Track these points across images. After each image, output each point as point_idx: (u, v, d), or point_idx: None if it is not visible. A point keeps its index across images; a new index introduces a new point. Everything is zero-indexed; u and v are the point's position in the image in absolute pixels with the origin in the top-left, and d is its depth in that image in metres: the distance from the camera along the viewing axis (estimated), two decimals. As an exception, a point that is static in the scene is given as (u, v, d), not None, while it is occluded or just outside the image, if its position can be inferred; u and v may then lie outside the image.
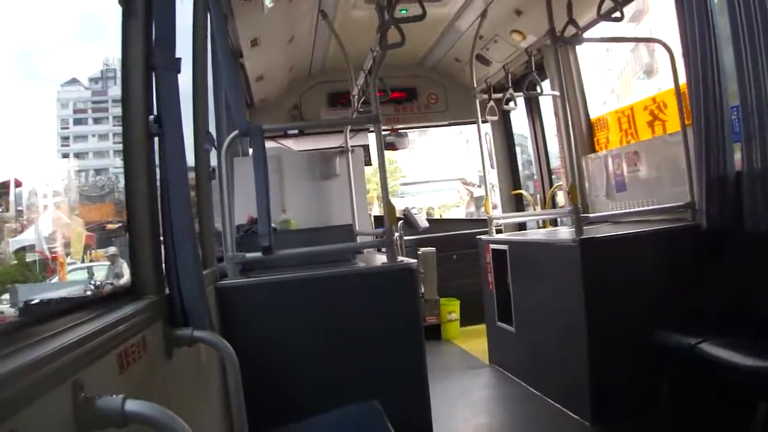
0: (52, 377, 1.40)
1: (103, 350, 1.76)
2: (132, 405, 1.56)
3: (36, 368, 1.34)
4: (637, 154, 5.95)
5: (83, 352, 1.59)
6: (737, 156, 4.34)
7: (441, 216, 36.54)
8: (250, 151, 4.05)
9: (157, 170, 2.56)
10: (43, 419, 1.34)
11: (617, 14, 4.94)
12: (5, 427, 1.16)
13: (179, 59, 2.62)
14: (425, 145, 37.16)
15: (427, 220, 8.54)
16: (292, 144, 8.89)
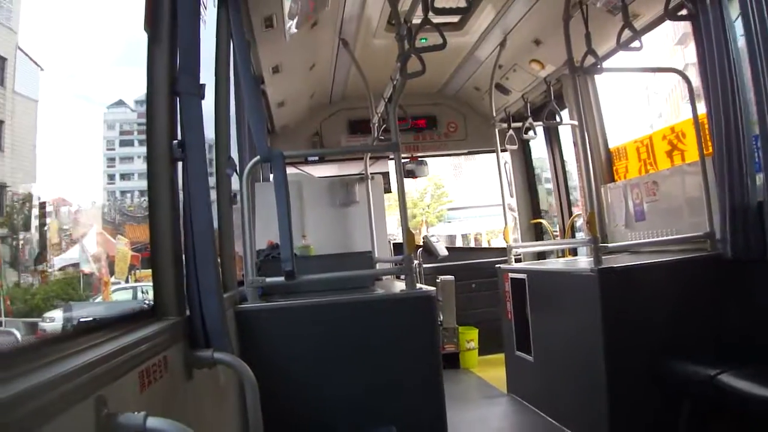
0: (77, 392, 1.43)
1: (126, 368, 1.79)
2: (153, 422, 1.58)
3: (62, 383, 1.37)
4: (656, 184, 5.93)
5: (107, 369, 1.62)
6: (759, 185, 4.34)
7: (489, 243, 36.35)
8: (271, 176, 4.08)
9: (180, 194, 2.59)
10: (67, 433, 1.37)
11: (636, 44, 4.96)
12: None
13: (203, 85, 2.67)
14: (472, 170, 37.03)
15: (447, 248, 8.54)
16: (312, 170, 8.93)
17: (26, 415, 1.21)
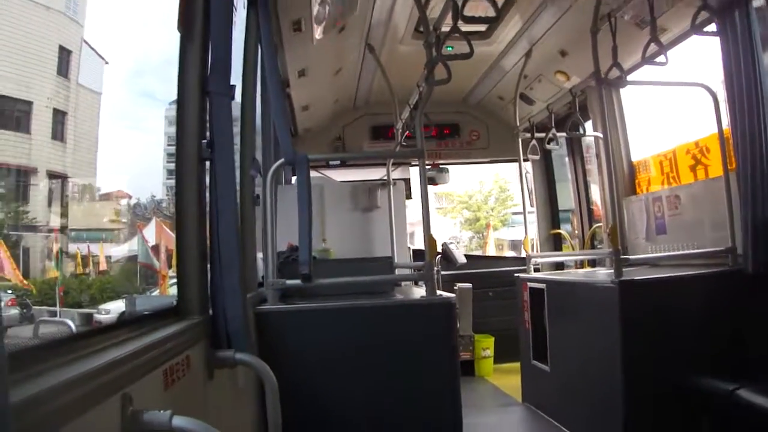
0: (104, 389, 1.44)
1: (151, 366, 1.80)
2: (179, 421, 1.59)
3: (89, 380, 1.38)
4: (678, 198, 5.91)
5: (132, 367, 1.64)
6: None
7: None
8: (293, 179, 4.09)
9: (207, 194, 2.61)
10: (94, 428, 1.38)
11: (662, 59, 4.95)
12: None
13: (233, 86, 2.68)
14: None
15: (465, 255, 8.52)
16: (332, 175, 8.95)
17: (54, 411, 1.22)
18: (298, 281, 3.90)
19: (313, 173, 7.06)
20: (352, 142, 8.95)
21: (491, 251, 32.16)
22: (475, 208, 37.99)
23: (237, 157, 3.71)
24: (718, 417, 4.14)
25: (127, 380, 1.59)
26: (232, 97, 2.67)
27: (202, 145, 2.56)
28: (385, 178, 6.84)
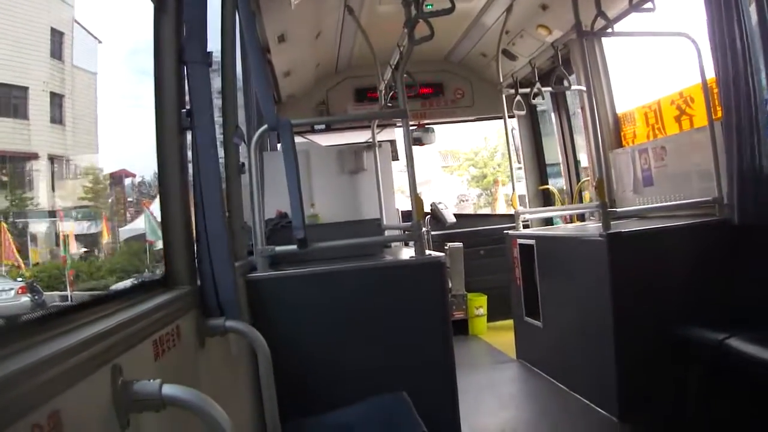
0: (93, 360, 1.45)
1: (140, 337, 1.80)
2: (169, 389, 1.60)
3: (78, 351, 1.38)
4: (664, 149, 5.91)
5: (122, 338, 1.64)
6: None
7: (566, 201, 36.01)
8: (278, 146, 4.07)
9: (189, 164, 2.60)
10: (85, 400, 1.38)
11: (650, 5, 4.91)
12: (49, 406, 1.20)
13: (210, 53, 2.65)
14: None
15: (455, 215, 8.54)
16: (318, 139, 8.93)
17: (45, 383, 1.22)
18: (288, 247, 3.90)
19: (298, 139, 7.06)
20: (337, 106, 8.93)
21: (501, 208, 32.06)
22: (482, 164, 37.61)
23: (219, 127, 3.69)
24: (708, 366, 4.18)
25: (117, 351, 1.59)
26: (210, 65, 2.64)
27: (182, 114, 2.54)
28: (371, 140, 6.82)
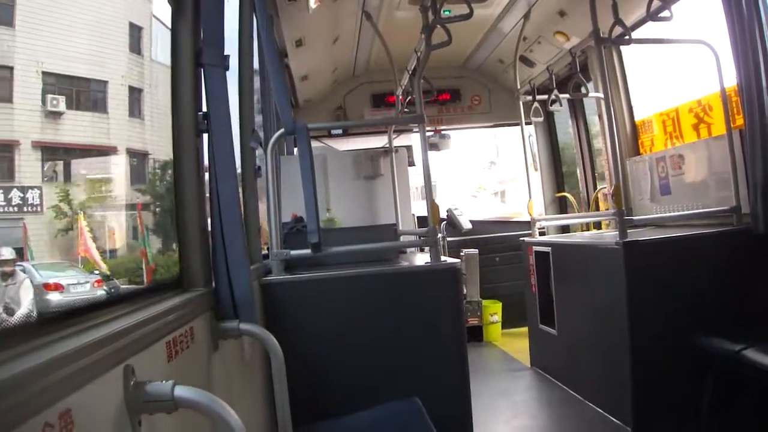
0: (106, 360, 1.45)
1: (153, 338, 1.80)
2: (182, 391, 1.59)
3: (92, 350, 1.38)
4: (682, 158, 5.87)
5: (135, 338, 1.64)
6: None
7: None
8: (295, 150, 4.08)
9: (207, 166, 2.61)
10: (97, 400, 1.39)
11: (666, 14, 4.89)
12: (61, 405, 1.20)
13: (227, 56, 2.66)
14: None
15: (470, 221, 8.53)
16: (334, 144, 8.96)
17: (58, 382, 1.22)
18: (303, 251, 3.90)
19: (315, 143, 7.08)
20: (353, 111, 8.94)
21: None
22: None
23: (236, 130, 3.70)
24: (724, 376, 4.15)
25: (130, 352, 1.59)
26: (227, 68, 2.65)
27: (199, 117, 2.55)
28: (387, 146, 6.82)
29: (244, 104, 3.96)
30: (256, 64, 4.33)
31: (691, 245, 4.75)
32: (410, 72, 6.12)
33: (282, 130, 3.93)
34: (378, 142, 8.32)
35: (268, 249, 4.22)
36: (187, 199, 2.53)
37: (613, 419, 4.74)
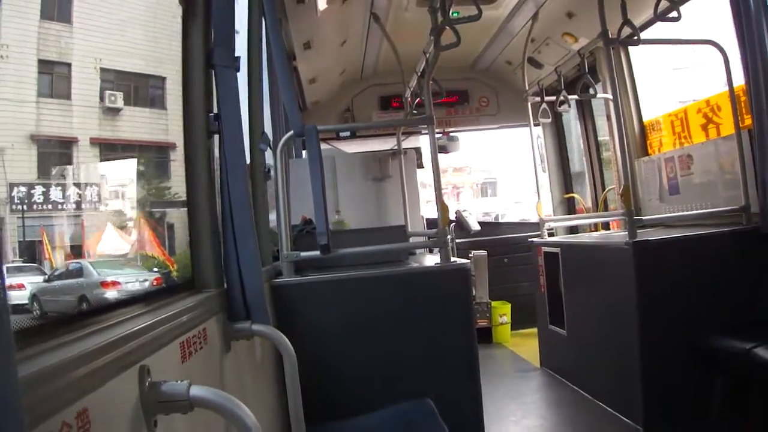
0: (122, 361, 1.45)
1: (168, 339, 1.81)
2: (197, 391, 1.60)
3: (107, 351, 1.39)
4: (690, 158, 5.86)
5: (149, 339, 1.64)
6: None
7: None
8: (304, 153, 4.08)
9: (217, 167, 2.62)
10: (113, 400, 1.39)
11: (674, 14, 4.88)
12: (78, 405, 1.21)
13: (238, 57, 2.67)
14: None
15: (479, 222, 8.52)
16: (343, 147, 8.95)
17: (74, 381, 1.23)
18: (313, 253, 3.91)
19: (323, 146, 7.08)
20: (361, 113, 8.95)
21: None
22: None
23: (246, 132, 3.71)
24: (734, 375, 4.14)
25: (145, 352, 1.60)
26: (238, 69, 2.66)
27: (210, 118, 2.56)
28: (396, 147, 6.82)
29: (253, 106, 3.97)
30: (264, 67, 4.34)
31: (700, 245, 4.75)
32: (419, 74, 6.13)
33: (291, 132, 3.94)
34: (386, 144, 8.34)
35: (278, 251, 4.23)
36: (198, 201, 2.54)
37: (624, 419, 4.74)
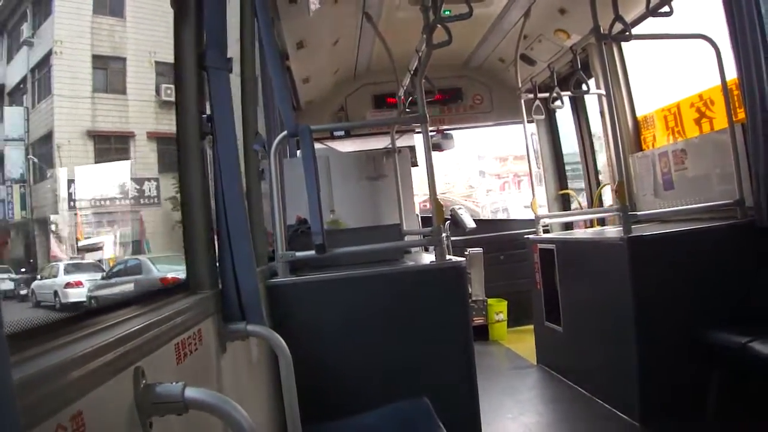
0: (116, 363, 1.45)
1: (163, 340, 1.81)
2: (192, 392, 1.60)
3: (102, 353, 1.39)
4: (684, 152, 5.87)
5: (144, 341, 1.64)
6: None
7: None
8: (298, 153, 4.08)
9: (211, 168, 2.61)
10: (108, 402, 1.39)
11: (666, 9, 4.89)
12: (73, 408, 1.21)
13: (230, 59, 2.67)
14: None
15: (474, 220, 8.52)
16: (337, 146, 8.95)
17: (69, 384, 1.23)
18: (308, 253, 3.91)
19: (317, 145, 7.08)
20: (355, 112, 8.95)
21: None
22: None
23: (240, 133, 3.71)
24: (731, 370, 4.15)
25: (140, 354, 1.60)
26: (230, 70, 2.66)
27: (203, 119, 2.56)
28: (390, 146, 6.82)
29: (247, 107, 3.97)
30: (257, 67, 4.34)
31: (695, 239, 4.75)
32: (412, 72, 6.13)
33: (285, 133, 3.93)
34: (380, 143, 8.33)
35: (273, 251, 4.23)
36: (192, 202, 2.54)
37: (621, 414, 4.74)
